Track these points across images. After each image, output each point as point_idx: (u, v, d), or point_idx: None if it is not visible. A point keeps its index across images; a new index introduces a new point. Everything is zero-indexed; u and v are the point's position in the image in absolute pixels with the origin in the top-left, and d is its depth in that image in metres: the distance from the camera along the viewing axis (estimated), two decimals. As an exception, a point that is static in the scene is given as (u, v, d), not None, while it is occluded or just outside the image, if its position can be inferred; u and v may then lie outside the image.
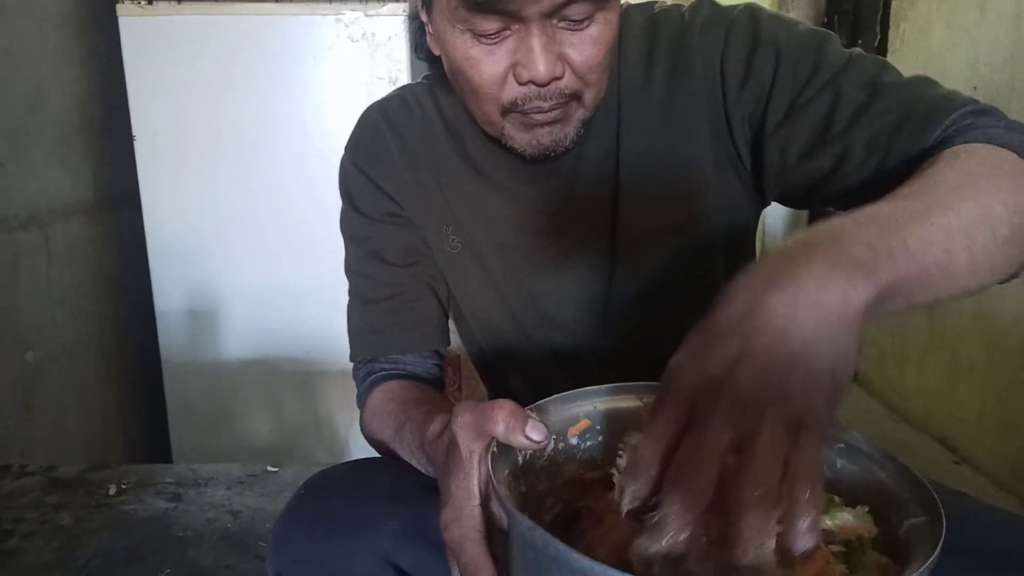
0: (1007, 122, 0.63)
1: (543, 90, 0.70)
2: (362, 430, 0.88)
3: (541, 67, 0.67)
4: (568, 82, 0.71)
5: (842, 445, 0.53)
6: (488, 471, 0.52)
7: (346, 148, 0.90)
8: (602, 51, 0.70)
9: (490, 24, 0.67)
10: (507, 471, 0.54)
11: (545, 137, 0.74)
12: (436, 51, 0.77)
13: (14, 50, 1.64)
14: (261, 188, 1.89)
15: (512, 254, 0.85)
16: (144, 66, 1.81)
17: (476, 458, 0.55)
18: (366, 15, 1.80)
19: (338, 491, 0.72)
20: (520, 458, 0.56)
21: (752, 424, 0.37)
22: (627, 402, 0.61)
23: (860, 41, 2.42)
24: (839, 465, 0.53)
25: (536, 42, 0.67)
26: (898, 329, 2.34)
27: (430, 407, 0.75)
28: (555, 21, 0.68)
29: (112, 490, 1.03)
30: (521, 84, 0.70)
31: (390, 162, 0.86)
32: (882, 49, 2.35)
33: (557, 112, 0.72)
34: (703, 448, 0.38)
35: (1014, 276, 0.57)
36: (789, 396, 0.38)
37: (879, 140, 0.67)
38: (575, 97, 0.72)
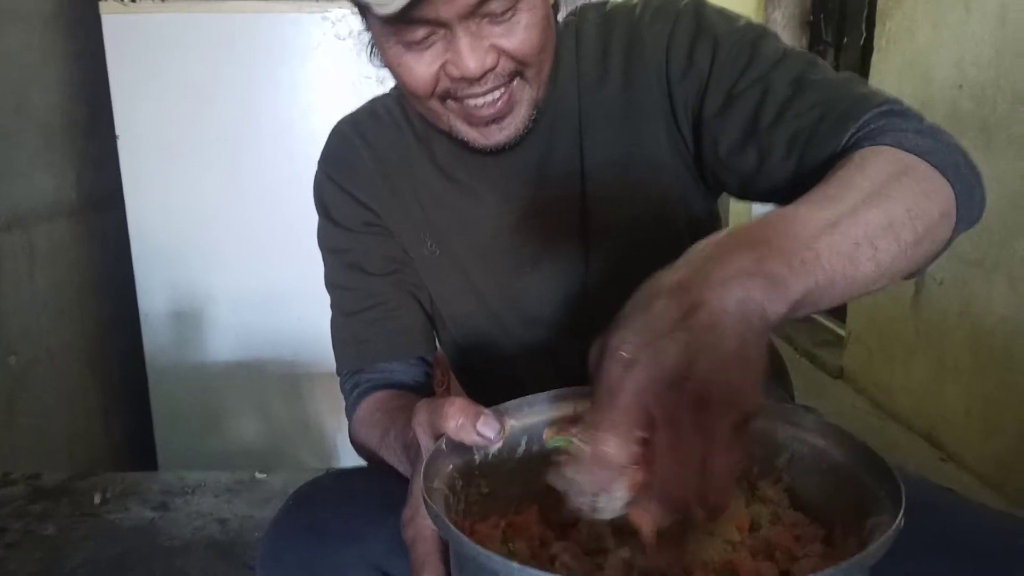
0: (919, 126, 0.63)
1: (478, 81, 0.70)
2: (351, 441, 0.88)
3: (471, 64, 0.68)
4: (504, 66, 0.71)
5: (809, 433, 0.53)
6: (422, 470, 0.50)
7: (319, 162, 0.90)
8: (534, 34, 0.71)
9: (415, 33, 0.68)
10: (452, 467, 0.53)
11: (495, 134, 0.75)
12: (379, 59, 0.78)
13: (-4, 50, 1.62)
14: (247, 188, 1.88)
15: (489, 255, 0.86)
16: (127, 65, 1.79)
17: (427, 455, 0.54)
18: (352, 13, 1.79)
19: (328, 501, 0.72)
20: (477, 456, 0.55)
21: (710, 421, 0.40)
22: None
23: (846, 39, 2.43)
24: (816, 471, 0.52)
25: (462, 42, 0.68)
26: (884, 328, 2.35)
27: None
28: (479, 19, 0.68)
29: (97, 499, 1.02)
30: (453, 80, 0.71)
31: (364, 173, 0.87)
32: (868, 48, 2.36)
33: (500, 101, 0.73)
34: (685, 451, 0.40)
35: (915, 275, 0.59)
36: (735, 389, 0.41)
37: (798, 138, 0.68)
38: (516, 75, 0.73)
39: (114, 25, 1.77)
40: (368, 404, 0.85)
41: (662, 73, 0.78)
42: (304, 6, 1.81)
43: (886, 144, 0.60)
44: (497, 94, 0.73)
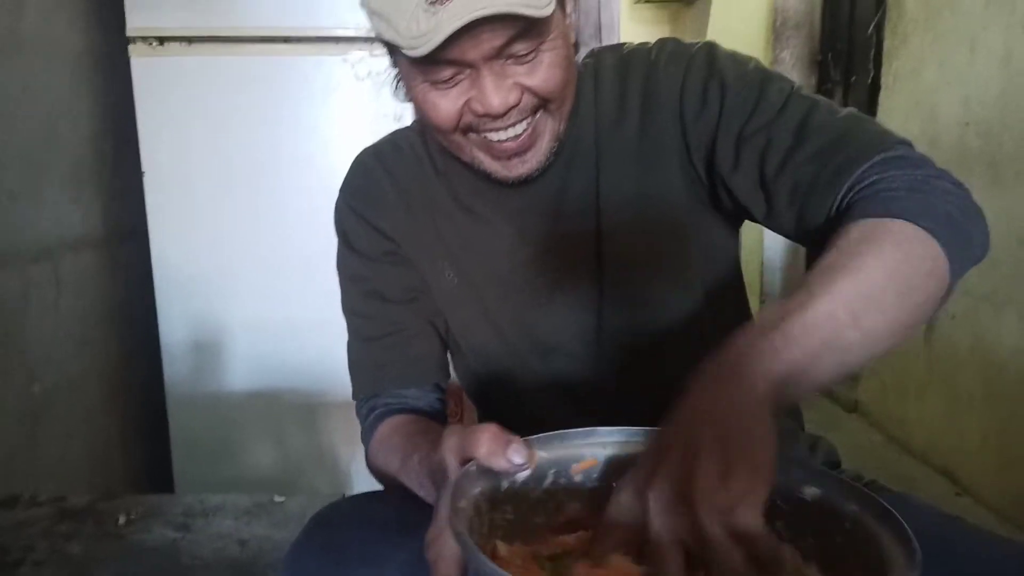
0: (912, 178, 0.65)
1: (502, 118, 0.73)
2: (368, 465, 0.89)
3: (495, 102, 0.71)
4: (527, 102, 0.74)
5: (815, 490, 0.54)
6: (450, 492, 0.53)
7: (341, 191, 0.93)
8: (556, 72, 0.74)
9: (442, 72, 0.72)
10: (480, 491, 0.55)
11: (517, 167, 0.78)
12: (406, 96, 0.81)
13: (29, 86, 1.68)
14: (267, 223, 1.92)
15: (505, 286, 0.88)
16: (155, 104, 1.85)
17: (455, 479, 0.56)
18: (371, 55, 1.85)
19: (347, 523, 0.74)
20: (504, 482, 0.57)
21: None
22: (638, 448, 0.60)
23: (854, 78, 2.47)
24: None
25: (487, 81, 0.71)
26: (897, 362, 2.35)
27: (436, 437, 0.77)
28: (503, 60, 0.71)
29: (121, 520, 1.04)
30: (477, 116, 0.74)
31: (385, 203, 0.89)
32: (875, 87, 2.40)
33: (523, 136, 0.76)
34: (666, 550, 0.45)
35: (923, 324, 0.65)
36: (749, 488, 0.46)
37: (798, 189, 0.72)
38: (539, 108, 0.76)
39: (143, 66, 1.84)
40: (386, 428, 0.87)
41: (676, 114, 0.81)
42: (325, 48, 1.87)
43: (873, 213, 0.63)
44: (520, 128, 0.76)
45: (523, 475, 0.58)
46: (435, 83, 0.73)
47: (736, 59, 0.81)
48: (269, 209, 1.92)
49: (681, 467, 0.47)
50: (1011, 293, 1.86)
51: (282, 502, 1.09)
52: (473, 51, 0.69)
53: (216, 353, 1.96)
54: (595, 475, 0.60)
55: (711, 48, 0.82)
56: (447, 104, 0.74)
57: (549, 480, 0.59)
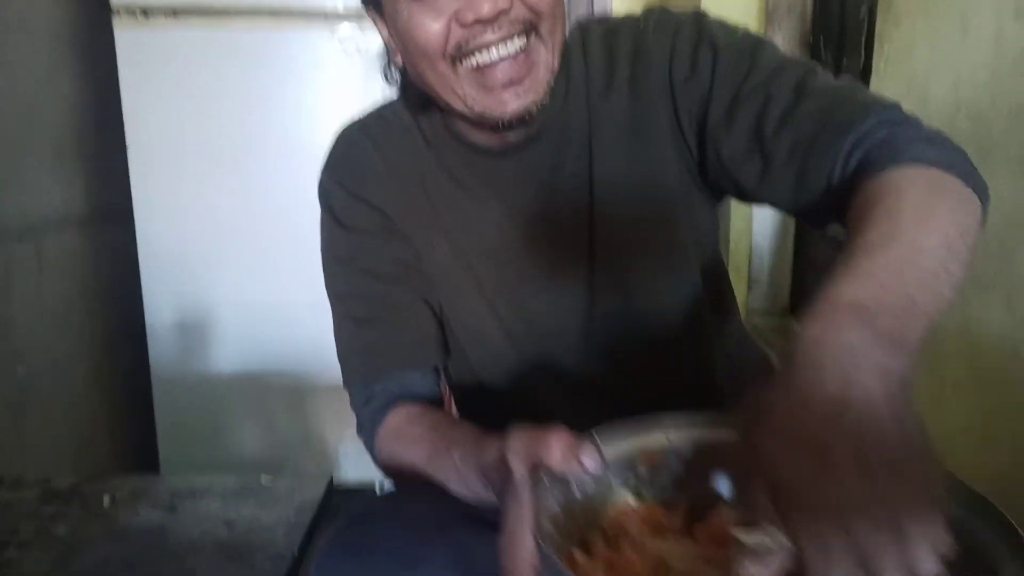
0: (923, 133, 0.65)
1: (491, 24, 0.69)
2: (377, 455, 0.86)
3: (484, 4, 0.67)
4: (518, 11, 0.70)
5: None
6: (534, 503, 0.52)
7: (325, 168, 0.89)
8: None
9: None
10: (560, 505, 0.53)
11: (511, 101, 0.73)
12: (395, 50, 0.78)
13: (9, 62, 1.65)
14: (254, 202, 1.90)
15: (500, 261, 0.86)
16: (139, 78, 1.82)
17: (528, 485, 0.55)
18: (360, 30, 1.82)
19: (381, 522, 0.72)
20: (577, 489, 0.55)
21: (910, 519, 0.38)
22: (699, 434, 0.58)
23: (846, 62, 2.46)
24: None
25: None
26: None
27: (471, 429, 0.75)
28: None
29: (107, 501, 1.02)
30: (465, 27, 0.69)
31: (375, 176, 0.86)
32: (867, 70, 2.39)
33: (518, 59, 0.71)
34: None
35: None
36: (918, 474, 0.39)
37: (799, 145, 0.69)
38: (531, 28, 0.72)
39: (127, 39, 1.81)
40: (398, 418, 0.83)
41: (665, 82, 0.79)
42: (314, 23, 1.84)
43: (907, 161, 0.61)
44: (513, 46, 0.71)
45: (594, 478, 0.56)
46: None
47: (725, 26, 0.80)
48: (256, 187, 1.89)
49: (837, 501, 0.39)
50: (998, 277, 1.87)
51: (269, 484, 1.08)
52: None
53: (202, 334, 1.94)
54: (662, 470, 0.58)
55: (699, 15, 0.80)
56: (433, 22, 0.70)
57: (619, 480, 0.58)
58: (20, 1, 1.69)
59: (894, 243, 0.52)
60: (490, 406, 0.95)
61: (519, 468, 0.57)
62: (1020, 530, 0.43)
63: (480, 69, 0.72)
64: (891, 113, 0.67)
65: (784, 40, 2.55)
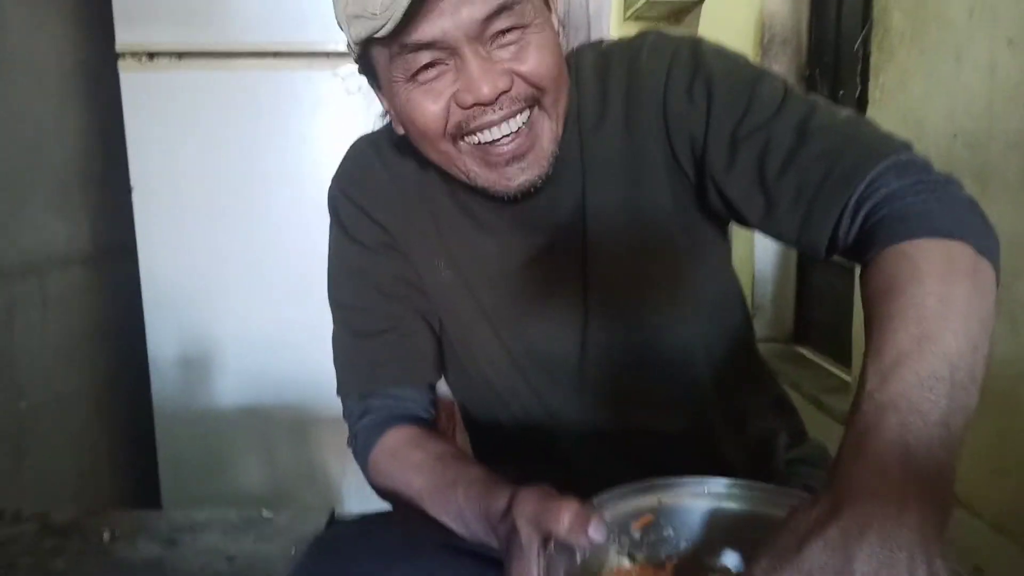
0: (931, 184, 0.63)
1: (492, 106, 0.68)
2: (371, 474, 0.85)
3: (483, 86, 0.66)
4: (519, 89, 0.69)
5: None
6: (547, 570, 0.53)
7: (335, 178, 0.89)
8: (547, 54, 0.70)
9: (421, 58, 0.67)
10: (564, 571, 0.55)
11: (516, 175, 0.72)
12: (395, 123, 0.77)
13: (16, 102, 1.68)
14: (257, 239, 1.91)
15: (499, 288, 0.85)
16: (144, 119, 1.85)
17: (534, 550, 0.57)
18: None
19: (350, 548, 0.71)
20: (580, 556, 0.57)
21: None
22: (690, 499, 0.62)
23: (841, 93, 2.48)
24: None
25: (472, 65, 0.66)
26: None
27: (480, 470, 0.74)
28: (489, 45, 0.68)
29: (106, 536, 1.02)
30: (466, 109, 0.69)
31: (381, 192, 0.86)
32: (863, 100, 2.42)
33: (520, 136, 0.70)
34: None
35: None
36: None
37: (804, 191, 0.68)
38: (534, 102, 0.71)
39: (132, 81, 1.84)
40: (397, 438, 0.83)
41: (660, 112, 0.77)
42: (315, 63, 1.87)
43: (922, 234, 0.59)
44: (515, 124, 0.70)
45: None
46: (416, 77, 0.69)
47: (723, 54, 0.77)
48: (259, 225, 1.91)
49: None
50: (1002, 303, 1.86)
51: (270, 517, 1.07)
52: (452, 22, 0.64)
53: (205, 369, 1.94)
54: (651, 531, 0.61)
55: (696, 41, 0.78)
56: (432, 103, 0.69)
57: (615, 543, 0.60)
58: (27, 43, 1.73)
59: (925, 353, 0.52)
60: (494, 427, 0.94)
61: (527, 532, 0.58)
62: None
63: (482, 146, 0.71)
64: (896, 157, 0.65)
65: (780, 71, 2.59)
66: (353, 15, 0.67)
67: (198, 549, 1.00)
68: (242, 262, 1.92)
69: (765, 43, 2.55)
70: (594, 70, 0.81)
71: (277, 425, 1.97)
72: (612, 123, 0.80)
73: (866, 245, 0.63)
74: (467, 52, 0.67)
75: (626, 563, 0.60)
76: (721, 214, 0.80)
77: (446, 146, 0.72)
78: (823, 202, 0.67)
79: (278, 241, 1.90)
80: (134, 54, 1.82)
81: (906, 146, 0.68)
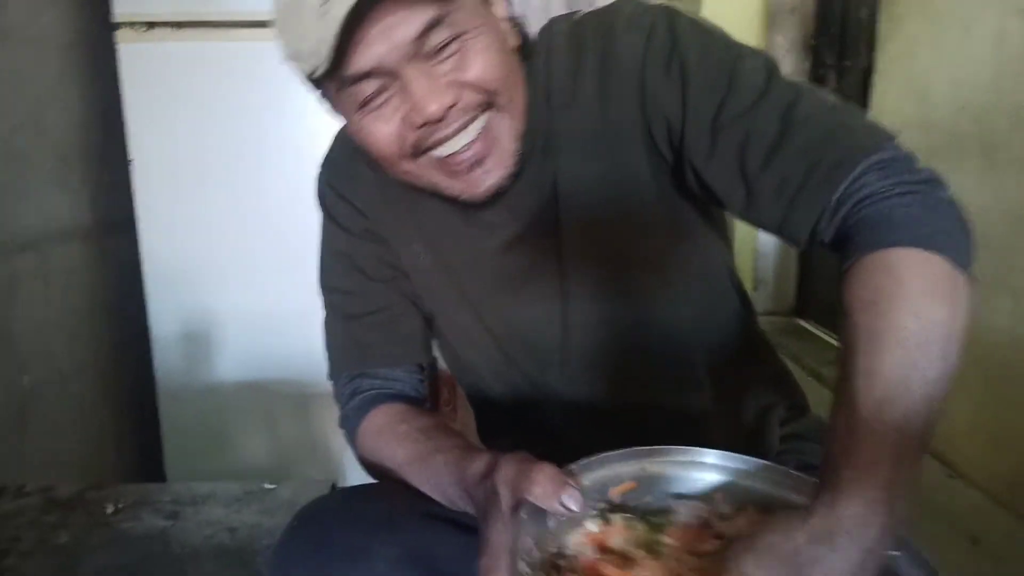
0: (913, 184, 0.63)
1: (442, 122, 0.68)
2: (358, 449, 0.87)
3: (429, 104, 0.66)
4: (469, 99, 0.68)
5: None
6: (514, 536, 0.54)
7: (321, 165, 0.92)
8: (490, 57, 0.69)
9: (366, 87, 0.67)
10: (537, 532, 0.55)
11: (481, 180, 0.72)
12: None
13: (14, 75, 1.66)
14: (258, 211, 1.90)
15: (481, 270, 0.86)
16: (142, 91, 1.83)
17: (513, 520, 0.57)
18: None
19: (332, 520, 0.72)
20: (552, 521, 0.57)
21: None
22: (671, 468, 0.62)
23: (848, 63, 2.45)
24: None
25: (415, 85, 0.66)
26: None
27: (459, 439, 0.76)
28: (429, 61, 0.66)
29: (110, 509, 1.03)
30: (417, 129, 0.68)
31: (361, 179, 0.87)
32: (868, 71, 2.39)
33: (477, 142, 0.70)
34: None
35: None
36: None
37: (787, 185, 0.67)
38: (487, 106, 0.70)
39: (130, 52, 1.81)
40: (383, 414, 0.84)
41: (638, 89, 0.75)
42: (315, 33, 1.84)
43: (906, 243, 0.60)
44: (471, 133, 0.70)
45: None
46: (364, 106, 0.69)
47: (701, 29, 0.75)
48: (259, 197, 1.90)
49: None
50: (1004, 276, 1.86)
51: (272, 489, 1.08)
52: (384, 47, 0.64)
53: (207, 344, 1.94)
54: (631, 497, 0.61)
55: (672, 16, 0.74)
56: (384, 127, 0.69)
57: (593, 510, 0.60)
58: (24, 15, 1.71)
59: (877, 387, 0.54)
60: (489, 403, 0.95)
61: (506, 495, 0.58)
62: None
63: (443, 159, 0.71)
64: (881, 154, 0.65)
65: (786, 42, 2.55)
66: (290, 57, 0.68)
67: (200, 521, 1.01)
68: (244, 235, 1.91)
69: (771, 12, 2.52)
70: (567, 42, 0.79)
71: (279, 399, 1.98)
72: (585, 97, 0.78)
73: (848, 243, 0.63)
74: (408, 73, 0.66)
75: (596, 529, 0.60)
76: (700, 198, 0.78)
77: (407, 165, 0.72)
78: (806, 198, 0.66)
79: (280, 213, 1.89)
80: (132, 24, 1.79)
81: (890, 138, 0.67)
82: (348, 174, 0.88)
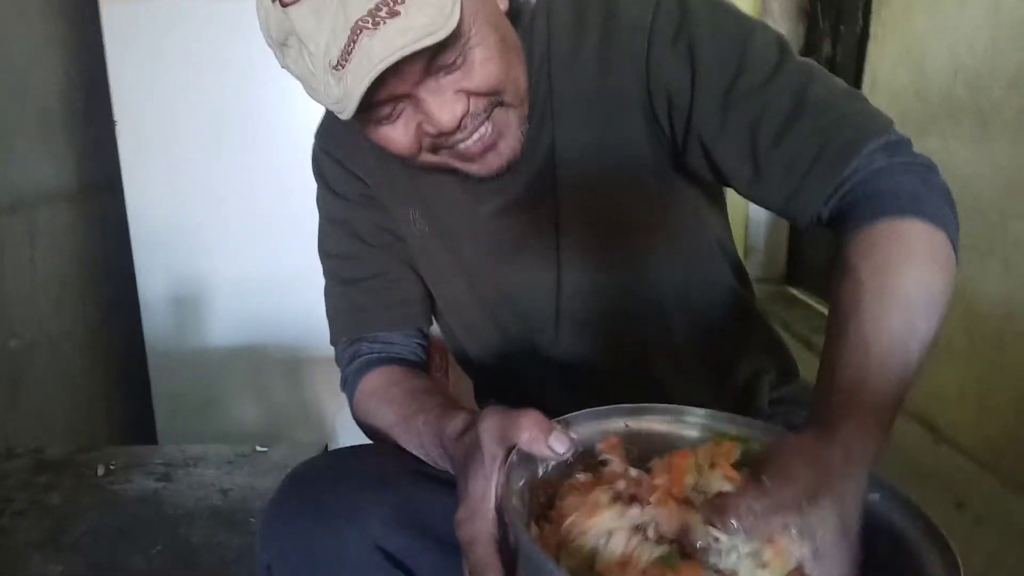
0: (916, 168, 0.67)
1: (457, 130, 0.70)
2: (354, 412, 0.88)
3: (444, 118, 0.68)
4: (477, 105, 0.70)
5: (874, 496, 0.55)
6: (504, 479, 0.53)
7: (316, 134, 0.91)
8: (493, 66, 0.70)
9: (381, 112, 0.69)
10: (523, 481, 0.55)
11: (493, 161, 0.74)
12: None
13: (-3, 36, 1.63)
14: (245, 174, 1.88)
15: (478, 238, 0.85)
16: (126, 51, 1.80)
17: (497, 463, 0.56)
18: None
19: (324, 480, 0.72)
20: (541, 469, 0.57)
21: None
22: (658, 424, 0.62)
23: (843, 28, 2.43)
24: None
25: (428, 102, 0.68)
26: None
27: (442, 399, 0.76)
28: (434, 76, 0.68)
29: (101, 471, 1.03)
30: (434, 137, 0.71)
31: (357, 146, 0.86)
32: (864, 36, 2.37)
33: (486, 134, 0.72)
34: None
35: None
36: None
37: (797, 164, 0.68)
38: (494, 106, 0.72)
39: (112, 12, 1.78)
40: (377, 378, 0.85)
41: (641, 62, 0.75)
42: (303, -8, 1.81)
43: (908, 214, 0.63)
44: (484, 131, 0.72)
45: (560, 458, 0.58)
46: (378, 122, 0.71)
47: (711, 2, 0.75)
48: (247, 159, 1.88)
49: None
50: (995, 242, 1.86)
51: (265, 451, 1.08)
52: (401, 85, 0.66)
53: (196, 307, 1.93)
54: (620, 450, 0.60)
55: None
56: (400, 134, 0.71)
57: (579, 462, 0.59)
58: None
59: (884, 338, 0.57)
60: (478, 378, 0.96)
61: (489, 445, 0.57)
62: (936, 523, 0.50)
63: (458, 151, 0.73)
64: (888, 137, 0.67)
65: (781, 8, 2.53)
66: (302, 79, 0.70)
67: (192, 483, 1.01)
68: (230, 197, 1.89)
69: (766, -24, 2.49)
70: (569, 10, 0.79)
71: (270, 362, 1.97)
72: (585, 61, 0.78)
73: (853, 211, 0.66)
74: (420, 93, 0.68)
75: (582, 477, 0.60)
76: (701, 173, 0.78)
77: (425, 157, 0.75)
78: (815, 178, 0.68)
79: (266, 174, 1.87)
80: (114, -17, 1.75)
81: (892, 123, 0.69)
82: (344, 142, 0.88)
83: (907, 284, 0.59)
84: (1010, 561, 1.49)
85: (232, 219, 1.90)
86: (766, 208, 0.75)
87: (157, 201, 1.88)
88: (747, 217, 2.63)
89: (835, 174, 0.67)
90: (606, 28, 0.76)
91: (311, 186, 0.92)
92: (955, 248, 0.65)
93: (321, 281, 0.93)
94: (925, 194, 0.64)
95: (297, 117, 1.84)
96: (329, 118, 0.91)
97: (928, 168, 0.68)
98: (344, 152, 0.88)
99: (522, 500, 0.53)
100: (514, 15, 0.78)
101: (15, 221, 1.67)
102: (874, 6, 2.35)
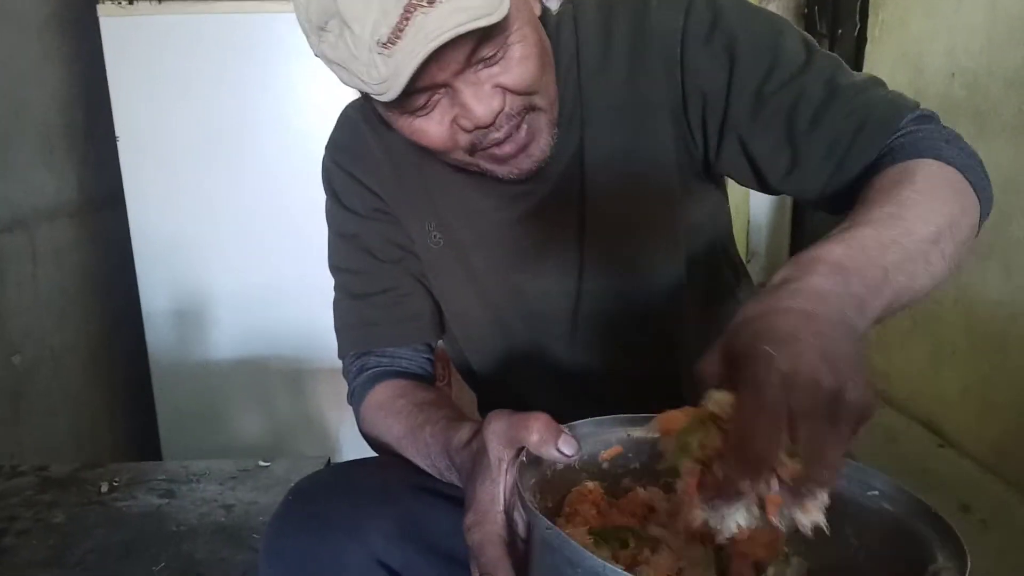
0: (946, 133, 0.69)
1: (492, 126, 0.71)
2: (361, 425, 0.87)
3: (479, 111, 0.68)
4: (513, 104, 0.71)
5: (874, 492, 0.55)
6: (515, 478, 0.53)
7: (327, 147, 0.91)
8: (530, 64, 0.71)
9: (418, 101, 0.69)
10: (534, 481, 0.55)
11: (524, 163, 0.75)
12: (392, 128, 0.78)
13: (-3, 52, 1.64)
14: (246, 186, 1.89)
15: (493, 247, 0.86)
16: (126, 66, 1.80)
17: (504, 466, 0.57)
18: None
19: (326, 494, 0.73)
20: (549, 471, 0.57)
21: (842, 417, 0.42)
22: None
23: (840, 30, 2.43)
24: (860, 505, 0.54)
25: (465, 94, 0.68)
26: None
27: (449, 411, 0.76)
28: (474, 69, 0.68)
29: (104, 488, 1.03)
30: (469, 132, 0.71)
31: (371, 159, 0.86)
32: (861, 38, 2.37)
33: (520, 135, 0.73)
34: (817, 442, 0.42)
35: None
36: (865, 389, 0.43)
37: (838, 144, 0.70)
38: (528, 109, 0.73)
39: (112, 27, 1.78)
40: (384, 392, 0.85)
41: (675, 65, 0.77)
42: (300, 5, 1.81)
43: (927, 155, 0.65)
44: (520, 135, 0.73)
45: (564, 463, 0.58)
46: (414, 112, 0.71)
47: (740, 3, 0.77)
48: (248, 172, 1.88)
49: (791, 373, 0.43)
50: (995, 243, 1.86)
51: (267, 466, 1.08)
52: (441, 72, 0.66)
53: (199, 321, 1.94)
54: (619, 462, 0.62)
55: None
56: (435, 128, 0.72)
57: (584, 471, 0.60)
58: (4, -9, 1.67)
59: (889, 222, 0.56)
60: (481, 391, 0.96)
61: (496, 449, 0.58)
62: (940, 513, 0.49)
63: (492, 153, 0.74)
64: (920, 111, 0.71)
65: (779, 9, 2.53)
66: (346, 79, 0.69)
67: (196, 499, 1.01)
68: (232, 209, 1.90)
69: (762, -21, 2.49)
70: (597, 12, 0.80)
71: (273, 375, 1.98)
72: (615, 67, 0.79)
73: (887, 157, 0.68)
74: (458, 84, 0.68)
75: (591, 487, 0.60)
76: (735, 173, 0.79)
77: (459, 155, 0.75)
78: (856, 154, 0.70)
79: (267, 187, 1.88)
80: (113, -1, 1.76)
81: (918, 104, 0.72)
82: (357, 154, 0.88)
83: (916, 197, 0.59)
84: (1017, 563, 1.48)
85: (234, 232, 1.91)
86: (801, 197, 0.76)
87: (159, 215, 1.88)
88: (748, 222, 2.63)
89: (878, 145, 0.69)
90: (636, 35, 0.78)
91: (312, 199, 0.92)
92: (983, 199, 0.65)
93: (323, 294, 0.93)
94: (961, 155, 0.66)
95: (297, 131, 1.85)
96: (339, 132, 0.91)
97: (959, 136, 0.70)
98: (357, 166, 0.88)
99: (534, 498, 0.54)
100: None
101: (17, 237, 1.68)
102: (871, 8, 2.35)
